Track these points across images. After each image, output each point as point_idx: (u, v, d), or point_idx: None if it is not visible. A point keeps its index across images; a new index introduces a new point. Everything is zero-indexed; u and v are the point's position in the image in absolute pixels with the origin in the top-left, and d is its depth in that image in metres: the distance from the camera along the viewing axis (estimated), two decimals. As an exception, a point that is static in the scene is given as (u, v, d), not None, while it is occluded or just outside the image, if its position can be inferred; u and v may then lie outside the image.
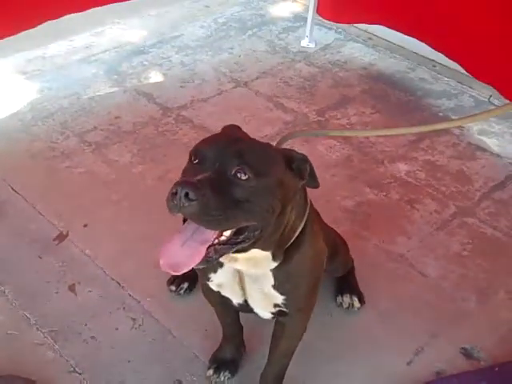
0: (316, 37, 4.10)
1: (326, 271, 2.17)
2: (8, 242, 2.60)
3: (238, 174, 1.38)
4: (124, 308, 2.34)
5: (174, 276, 2.40)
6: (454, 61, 3.34)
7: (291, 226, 1.59)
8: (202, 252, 1.39)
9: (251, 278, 1.68)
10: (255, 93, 3.62)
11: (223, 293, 1.80)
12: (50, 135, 3.21)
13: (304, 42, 4.06)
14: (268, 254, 1.57)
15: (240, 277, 1.69)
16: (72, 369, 2.13)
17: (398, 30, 3.63)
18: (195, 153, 1.47)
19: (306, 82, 3.72)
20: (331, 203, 2.83)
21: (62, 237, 2.63)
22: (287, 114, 3.44)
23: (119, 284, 2.43)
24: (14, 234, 2.63)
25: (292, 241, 1.61)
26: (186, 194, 1.30)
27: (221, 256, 1.44)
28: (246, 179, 1.39)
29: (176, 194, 1.32)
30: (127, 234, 2.64)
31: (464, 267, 2.56)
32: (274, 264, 1.61)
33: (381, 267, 2.55)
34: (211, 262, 1.42)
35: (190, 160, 1.48)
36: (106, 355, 2.19)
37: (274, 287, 1.68)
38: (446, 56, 3.38)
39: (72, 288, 2.42)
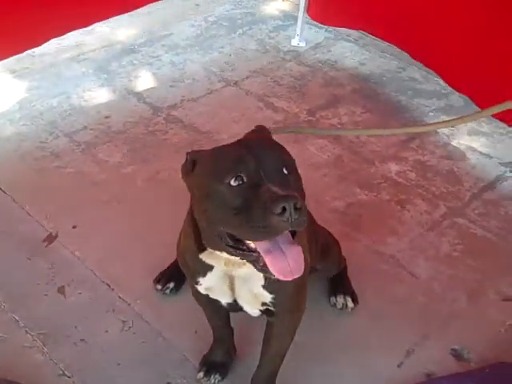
0: (306, 36, 4.09)
1: (317, 271, 2.17)
2: (-4, 243, 2.58)
3: (285, 171, 1.43)
4: (114, 310, 2.33)
5: (160, 275, 2.41)
6: (431, 70, 3.44)
7: None
8: (300, 249, 1.42)
9: (242, 280, 1.67)
10: (245, 92, 3.61)
11: (212, 295, 1.79)
12: (40, 135, 3.19)
13: (294, 41, 4.06)
14: None
15: (230, 279, 1.69)
16: (61, 372, 2.12)
17: (379, 37, 3.69)
18: (232, 173, 1.41)
19: (296, 82, 3.72)
20: (321, 204, 2.83)
21: (51, 238, 2.61)
22: (278, 114, 3.43)
23: (109, 286, 2.42)
24: (2, 235, 2.61)
25: None
26: (295, 206, 1.30)
27: None
28: (288, 174, 1.44)
29: (284, 211, 1.30)
30: (117, 235, 2.62)
31: (454, 268, 2.56)
32: None
33: (371, 268, 2.54)
34: None
35: (221, 182, 1.42)
36: (95, 358, 2.17)
37: (264, 287, 1.68)
38: (424, 65, 3.47)
39: (61, 290, 2.40)
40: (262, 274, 1.62)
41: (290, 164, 1.47)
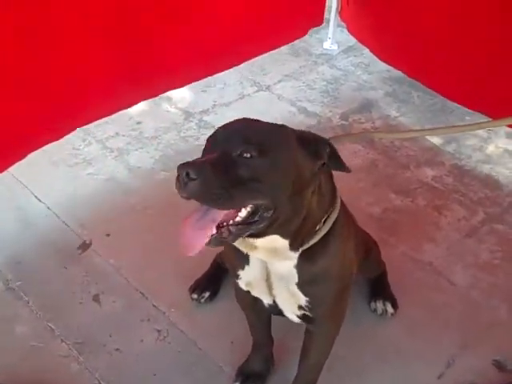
0: (339, 39, 4.04)
1: (358, 272, 2.08)
2: (32, 251, 2.58)
3: (244, 154, 1.40)
4: (149, 319, 2.32)
5: (195, 283, 2.40)
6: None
7: (313, 215, 1.55)
8: (210, 229, 1.40)
9: (277, 276, 1.66)
10: (278, 97, 3.58)
11: (253, 293, 1.79)
12: (72, 142, 3.18)
13: (326, 44, 4.01)
14: (286, 243, 1.54)
15: (267, 274, 1.68)
16: (97, 382, 2.11)
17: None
18: (207, 140, 1.51)
19: (328, 85, 3.68)
20: (356, 209, 2.72)
21: (85, 246, 2.61)
22: (310, 118, 3.40)
23: (143, 294, 2.40)
24: (37, 243, 2.62)
25: (317, 239, 1.58)
26: (188, 174, 1.33)
27: (237, 237, 1.44)
28: (250, 158, 1.40)
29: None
30: (151, 243, 2.61)
31: (494, 275, 2.50)
32: (292, 254, 1.57)
33: (409, 275, 2.50)
34: (226, 242, 1.44)
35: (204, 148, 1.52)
36: (131, 367, 2.16)
37: (298, 285, 1.66)
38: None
39: (96, 298, 2.40)
40: (295, 272, 1.63)
41: (261, 150, 1.41)
